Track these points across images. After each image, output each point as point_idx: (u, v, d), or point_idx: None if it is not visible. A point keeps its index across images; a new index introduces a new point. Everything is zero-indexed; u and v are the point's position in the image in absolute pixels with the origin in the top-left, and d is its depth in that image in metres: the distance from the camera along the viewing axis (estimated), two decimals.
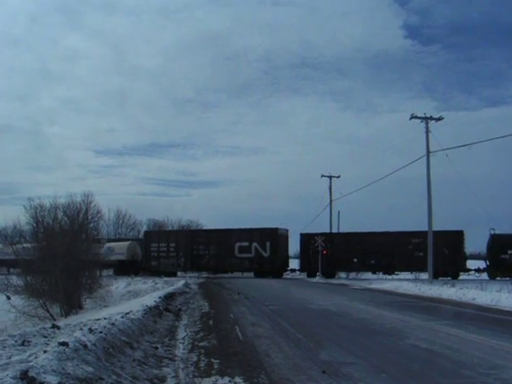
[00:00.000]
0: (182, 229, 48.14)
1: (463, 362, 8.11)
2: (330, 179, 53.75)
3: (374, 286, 31.59)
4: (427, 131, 31.93)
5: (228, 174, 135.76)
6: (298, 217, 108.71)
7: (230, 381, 7.17)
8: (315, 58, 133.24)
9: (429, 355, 8.73)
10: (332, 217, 52.58)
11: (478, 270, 39.66)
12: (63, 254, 23.82)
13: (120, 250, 46.12)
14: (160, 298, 17.84)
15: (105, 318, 10.13)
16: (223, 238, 44.62)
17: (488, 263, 39.13)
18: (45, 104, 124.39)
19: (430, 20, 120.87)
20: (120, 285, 35.44)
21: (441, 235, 36.03)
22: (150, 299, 17.22)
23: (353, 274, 46.28)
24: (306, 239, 44.07)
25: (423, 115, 32.36)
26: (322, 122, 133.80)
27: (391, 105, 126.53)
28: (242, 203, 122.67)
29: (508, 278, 33.29)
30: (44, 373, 5.01)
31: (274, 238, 44.04)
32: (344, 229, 49.84)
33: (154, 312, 13.65)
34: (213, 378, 7.34)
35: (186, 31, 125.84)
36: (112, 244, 47.24)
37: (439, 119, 32.06)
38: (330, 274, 42.55)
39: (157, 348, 9.32)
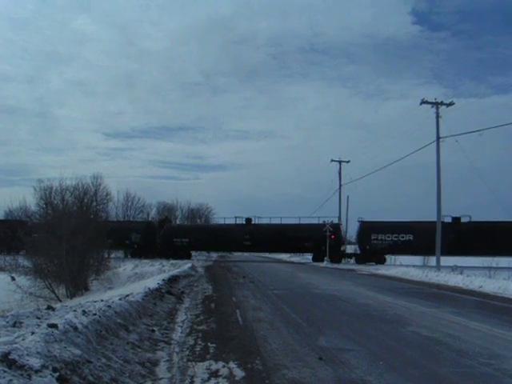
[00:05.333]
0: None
1: (464, 350, 7.93)
2: (340, 164, 53.28)
3: (381, 271, 31.61)
4: (437, 116, 31.39)
5: (237, 157, 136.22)
6: (307, 201, 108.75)
7: (223, 366, 7.04)
8: (324, 42, 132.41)
9: (429, 343, 8.55)
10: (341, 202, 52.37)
11: None
12: (69, 235, 23.76)
13: None
14: (163, 280, 17.77)
15: (101, 300, 10.04)
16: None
17: None
18: (54, 86, 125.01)
19: (439, 6, 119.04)
20: (128, 267, 35.62)
21: None
22: (153, 282, 17.17)
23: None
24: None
25: (434, 100, 31.85)
26: (330, 107, 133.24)
27: (400, 91, 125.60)
28: (251, 187, 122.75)
29: None
30: (27, 355, 4.89)
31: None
32: (353, 213, 49.75)
33: (155, 294, 13.57)
34: (207, 363, 7.22)
35: (193, 15, 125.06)
36: None
37: (450, 104, 31.49)
38: None
39: (153, 331, 9.21)
